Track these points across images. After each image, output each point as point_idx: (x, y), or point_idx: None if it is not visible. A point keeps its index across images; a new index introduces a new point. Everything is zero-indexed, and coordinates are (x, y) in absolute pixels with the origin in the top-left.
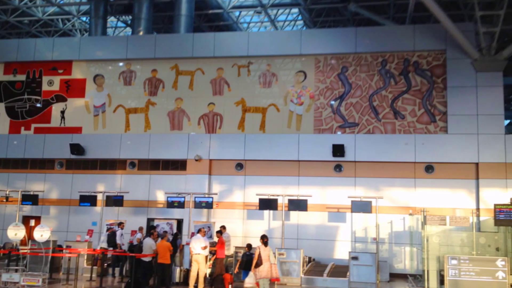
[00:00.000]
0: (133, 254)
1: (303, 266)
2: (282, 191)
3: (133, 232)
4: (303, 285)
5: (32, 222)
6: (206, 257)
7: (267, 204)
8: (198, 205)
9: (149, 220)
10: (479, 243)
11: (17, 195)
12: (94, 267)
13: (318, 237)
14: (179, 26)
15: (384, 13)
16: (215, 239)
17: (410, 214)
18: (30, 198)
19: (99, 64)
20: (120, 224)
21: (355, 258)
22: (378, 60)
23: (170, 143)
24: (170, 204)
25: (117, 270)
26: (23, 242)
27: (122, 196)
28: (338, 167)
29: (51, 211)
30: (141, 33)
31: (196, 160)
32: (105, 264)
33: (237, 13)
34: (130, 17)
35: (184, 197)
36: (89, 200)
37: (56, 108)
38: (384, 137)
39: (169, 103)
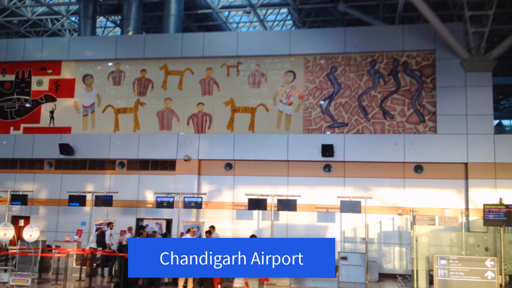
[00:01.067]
0: (122, 254)
1: None
2: (271, 191)
3: (122, 232)
4: (292, 285)
5: (21, 222)
6: None
7: (256, 204)
8: (187, 205)
9: (138, 220)
10: (468, 243)
11: (6, 195)
12: (83, 267)
13: (308, 237)
14: (168, 26)
15: (373, 13)
16: None
17: (399, 214)
18: (19, 198)
19: (88, 64)
20: (109, 224)
21: (344, 258)
22: (367, 60)
23: (159, 143)
24: (159, 204)
25: (106, 270)
26: (12, 242)
27: (111, 196)
28: (327, 167)
29: (40, 211)
30: (130, 33)
31: (185, 160)
32: (94, 264)
33: (226, 13)
34: (119, 17)
35: (173, 197)
36: (78, 200)
37: (45, 108)
38: (373, 137)
39: (158, 103)
